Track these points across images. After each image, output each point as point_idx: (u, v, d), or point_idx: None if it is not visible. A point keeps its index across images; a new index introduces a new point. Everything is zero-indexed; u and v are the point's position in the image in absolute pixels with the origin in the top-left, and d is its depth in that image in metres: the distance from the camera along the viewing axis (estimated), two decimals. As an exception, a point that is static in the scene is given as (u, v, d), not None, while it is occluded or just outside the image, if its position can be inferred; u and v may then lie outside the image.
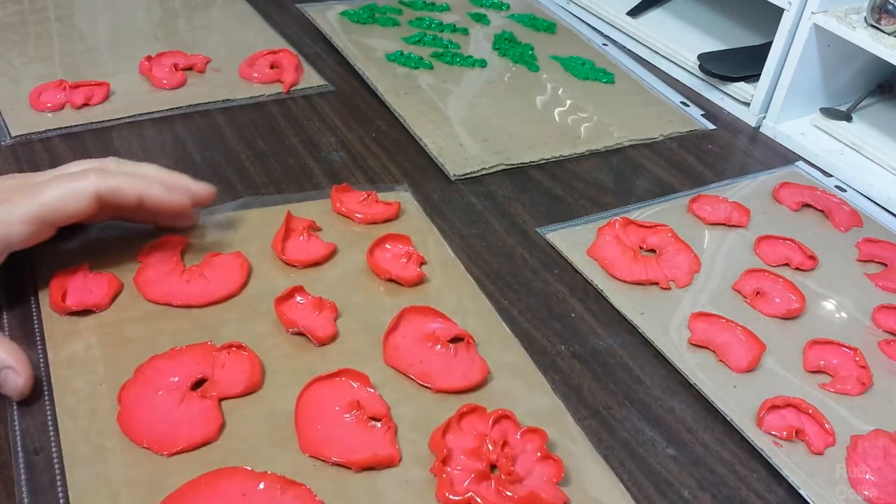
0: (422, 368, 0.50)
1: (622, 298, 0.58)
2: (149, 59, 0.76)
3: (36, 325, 0.50)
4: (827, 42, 0.78)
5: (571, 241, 0.63)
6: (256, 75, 0.77)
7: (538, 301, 0.57)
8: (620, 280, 0.60)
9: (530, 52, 0.89)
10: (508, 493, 0.43)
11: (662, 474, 0.47)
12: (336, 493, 0.43)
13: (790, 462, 0.48)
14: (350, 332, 0.52)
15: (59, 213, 0.49)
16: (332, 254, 0.58)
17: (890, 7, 0.72)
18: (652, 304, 0.58)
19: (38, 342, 0.49)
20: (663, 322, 0.57)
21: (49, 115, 0.69)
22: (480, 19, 0.95)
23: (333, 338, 0.51)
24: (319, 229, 0.60)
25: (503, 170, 0.71)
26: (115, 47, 0.79)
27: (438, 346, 0.51)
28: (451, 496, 0.43)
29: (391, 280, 0.56)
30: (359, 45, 0.85)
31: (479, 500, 0.42)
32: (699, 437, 0.50)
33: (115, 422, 0.44)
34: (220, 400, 0.46)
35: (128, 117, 0.70)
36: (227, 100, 0.74)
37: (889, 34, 0.73)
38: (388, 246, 0.59)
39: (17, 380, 0.45)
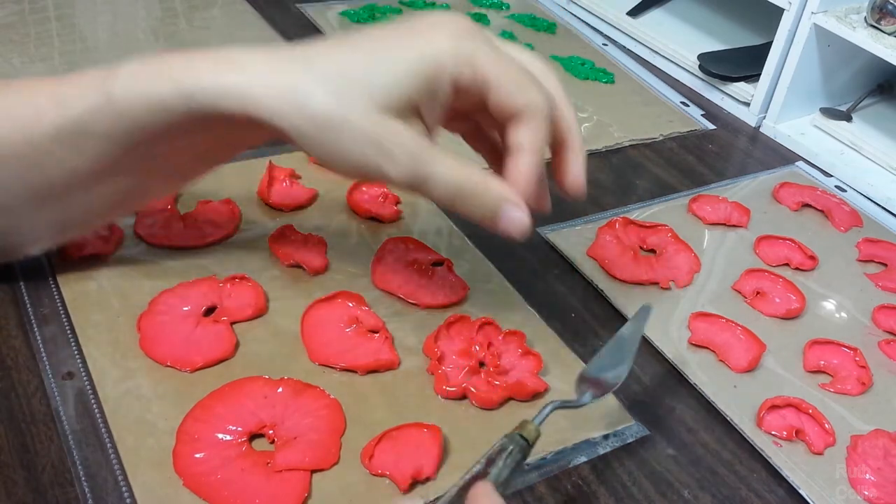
0: (408, 289, 0.55)
1: (622, 298, 0.58)
2: (149, 58, 0.76)
3: (47, 268, 0.53)
4: (827, 42, 0.78)
5: (571, 241, 0.63)
6: (257, 75, 0.77)
7: (538, 301, 0.57)
8: (620, 280, 0.60)
9: (530, 52, 0.89)
10: (497, 383, 0.49)
11: (662, 474, 0.47)
12: (346, 392, 0.48)
13: (790, 462, 0.48)
14: (340, 263, 0.57)
15: None
16: (314, 198, 0.63)
17: (890, 7, 0.73)
18: (652, 304, 0.58)
19: (52, 283, 0.52)
20: (663, 322, 0.57)
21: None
22: (480, 19, 0.94)
23: (326, 268, 0.56)
24: (299, 177, 0.65)
25: (503, 170, 0.71)
26: (115, 47, 0.79)
27: (422, 270, 0.57)
28: (447, 388, 0.48)
29: (371, 218, 0.61)
30: (359, 45, 0.85)
31: (473, 389, 0.48)
32: (699, 437, 0.50)
33: (137, 347, 0.48)
34: (231, 324, 0.51)
35: (128, 117, 0.70)
36: (228, 100, 0.74)
37: (889, 34, 0.73)
38: (364, 189, 0.64)
39: (522, 215, 0.42)
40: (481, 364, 0.50)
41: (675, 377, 0.53)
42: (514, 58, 0.43)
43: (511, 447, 0.39)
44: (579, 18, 0.99)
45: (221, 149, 0.48)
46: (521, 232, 0.43)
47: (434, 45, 0.41)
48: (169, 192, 0.50)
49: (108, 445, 0.43)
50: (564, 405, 0.43)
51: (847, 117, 0.82)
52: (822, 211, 0.70)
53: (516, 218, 0.42)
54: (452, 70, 0.41)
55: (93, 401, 0.45)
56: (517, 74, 0.42)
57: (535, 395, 0.49)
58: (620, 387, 0.51)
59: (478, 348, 0.51)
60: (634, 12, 0.97)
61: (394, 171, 0.41)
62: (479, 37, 0.42)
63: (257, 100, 0.40)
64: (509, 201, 0.42)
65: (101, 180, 0.46)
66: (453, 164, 0.42)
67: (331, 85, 0.40)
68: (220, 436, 0.44)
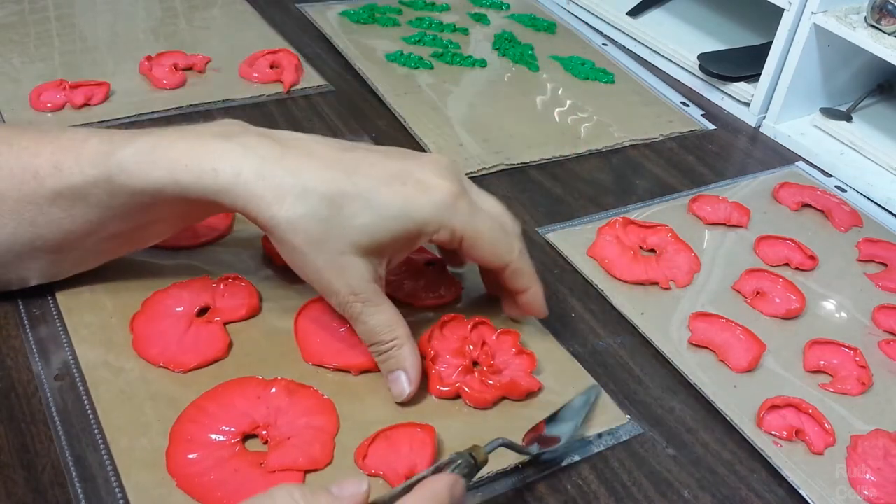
0: (402, 289, 0.55)
1: (622, 298, 0.58)
2: (149, 59, 0.76)
3: None
4: (827, 42, 0.78)
5: (571, 241, 0.63)
6: (256, 75, 0.77)
7: (538, 301, 0.57)
8: (620, 280, 0.60)
9: (530, 52, 0.89)
10: (491, 382, 0.49)
11: (662, 474, 0.47)
12: (340, 392, 0.48)
13: (790, 462, 0.48)
14: None
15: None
16: None
17: (890, 7, 0.72)
18: (652, 304, 0.58)
19: (45, 286, 0.51)
20: (663, 322, 0.56)
21: (49, 115, 0.69)
22: (480, 19, 0.94)
23: None
24: None
25: (503, 170, 0.71)
26: (115, 47, 0.79)
27: (416, 269, 0.56)
28: (441, 388, 0.48)
29: None
30: (359, 45, 0.85)
31: (466, 389, 0.48)
32: (699, 437, 0.50)
33: (130, 348, 0.48)
34: (225, 324, 0.51)
35: (128, 117, 0.70)
36: (227, 100, 0.74)
37: (889, 34, 0.73)
38: None
39: (406, 387, 0.47)
40: (475, 363, 0.50)
41: (675, 377, 0.53)
42: (486, 218, 0.48)
43: (460, 461, 0.40)
44: (579, 18, 0.99)
45: (210, 213, 0.53)
46: (399, 398, 0.47)
47: (420, 209, 0.46)
48: (158, 240, 0.52)
49: (102, 446, 0.43)
50: (512, 446, 0.44)
51: (847, 117, 0.82)
52: (822, 211, 0.70)
53: (400, 385, 0.47)
54: (431, 232, 0.47)
55: (86, 402, 0.45)
56: (489, 240, 0.48)
57: (529, 395, 0.49)
58: (617, 385, 0.52)
59: (471, 348, 0.50)
60: (634, 12, 0.97)
61: (333, 300, 0.47)
62: (462, 202, 0.47)
63: (246, 203, 0.44)
64: (404, 372, 0.47)
65: (91, 240, 0.48)
66: (382, 319, 0.47)
67: (319, 209, 0.44)
68: (214, 436, 0.44)
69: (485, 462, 0.41)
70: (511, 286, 0.51)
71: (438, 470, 0.39)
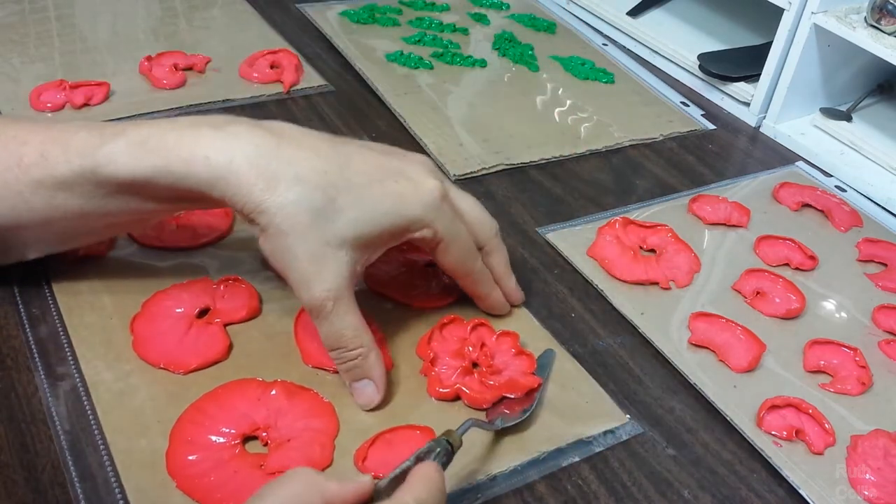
0: (402, 290, 0.55)
1: (622, 298, 0.58)
2: (149, 59, 0.76)
3: (40, 269, 0.52)
4: (827, 42, 0.78)
5: (571, 241, 0.63)
6: (256, 75, 0.77)
7: (538, 301, 0.57)
8: (620, 280, 0.60)
9: (530, 52, 0.89)
10: (491, 382, 0.49)
11: (662, 474, 0.47)
12: (340, 395, 0.48)
13: (790, 462, 0.48)
14: None
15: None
16: None
17: (890, 7, 0.72)
18: (652, 304, 0.58)
19: (45, 285, 0.52)
20: (663, 322, 0.56)
21: (49, 115, 0.69)
22: (480, 19, 0.94)
23: None
24: None
25: (503, 170, 0.71)
26: (115, 47, 0.79)
27: (415, 270, 0.56)
28: (441, 389, 0.48)
29: None
30: (359, 46, 0.85)
31: (466, 389, 0.48)
32: (699, 437, 0.50)
33: (130, 349, 0.48)
34: (225, 325, 0.50)
35: (128, 117, 0.70)
36: (227, 100, 0.74)
37: (889, 34, 0.73)
38: None
39: (375, 396, 0.47)
40: (475, 365, 0.50)
41: (675, 377, 0.53)
42: (462, 227, 0.49)
43: (438, 449, 0.40)
44: (579, 18, 0.99)
45: (196, 207, 0.51)
46: (367, 407, 0.47)
47: (412, 207, 0.47)
48: (140, 229, 0.53)
49: (102, 447, 0.43)
50: (479, 424, 0.45)
51: (847, 117, 0.82)
52: (822, 211, 0.70)
53: (368, 395, 0.47)
54: (416, 230, 0.47)
55: (86, 402, 0.45)
56: (462, 247, 0.50)
57: (530, 393, 0.49)
58: (617, 385, 0.52)
59: (471, 349, 0.50)
60: (634, 12, 0.97)
61: (304, 296, 0.45)
62: (447, 204, 0.48)
63: (237, 190, 0.44)
64: (369, 380, 0.47)
65: (71, 230, 0.48)
66: (349, 322, 0.46)
67: (312, 198, 0.44)
68: (214, 438, 0.44)
69: (460, 445, 0.41)
70: (471, 292, 0.53)
71: (419, 458, 0.39)
